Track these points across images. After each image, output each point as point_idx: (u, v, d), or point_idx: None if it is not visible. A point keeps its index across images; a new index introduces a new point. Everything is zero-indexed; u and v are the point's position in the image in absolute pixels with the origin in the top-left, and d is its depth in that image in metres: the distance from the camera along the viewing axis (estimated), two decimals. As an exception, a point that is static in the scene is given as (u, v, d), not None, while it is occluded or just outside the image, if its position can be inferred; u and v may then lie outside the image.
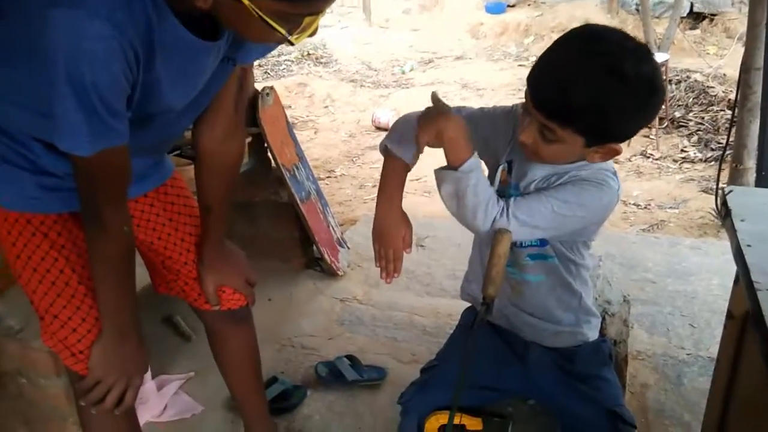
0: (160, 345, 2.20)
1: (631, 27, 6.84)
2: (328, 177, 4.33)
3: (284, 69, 7.05)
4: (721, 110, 4.56)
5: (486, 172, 1.31)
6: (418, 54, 7.45)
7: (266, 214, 2.65)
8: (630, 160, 4.26)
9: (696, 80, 4.91)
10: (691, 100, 4.74)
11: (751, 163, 3.07)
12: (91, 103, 0.91)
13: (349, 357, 2.08)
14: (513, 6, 8.22)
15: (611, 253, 2.79)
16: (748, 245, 1.02)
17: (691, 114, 4.62)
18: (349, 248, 2.86)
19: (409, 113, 1.36)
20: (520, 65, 6.81)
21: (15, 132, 1.10)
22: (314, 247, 2.66)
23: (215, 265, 1.40)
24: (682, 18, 6.63)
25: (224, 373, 1.60)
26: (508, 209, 1.19)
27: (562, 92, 1.06)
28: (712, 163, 4.05)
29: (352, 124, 5.41)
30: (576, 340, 1.40)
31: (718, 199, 3.10)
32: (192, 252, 1.40)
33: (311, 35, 0.97)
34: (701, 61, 5.41)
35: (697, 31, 6.67)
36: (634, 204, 3.65)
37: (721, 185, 3.31)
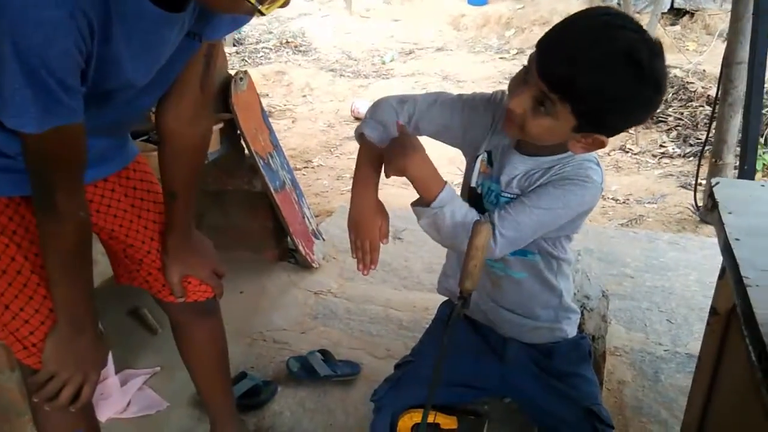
0: (125, 338, 2.13)
1: (612, 22, 6.85)
2: (305, 167, 4.25)
3: (262, 56, 6.92)
4: (701, 106, 4.57)
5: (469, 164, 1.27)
6: (398, 44, 7.37)
7: (239, 203, 2.57)
8: (609, 155, 4.25)
9: (676, 76, 4.91)
10: (670, 95, 4.74)
11: (730, 158, 3.07)
12: (40, 77, 0.84)
13: (322, 352, 2.02)
14: (495, -2, 8.18)
15: (590, 247, 2.77)
16: (737, 239, 0.98)
17: (670, 109, 4.62)
18: (324, 240, 2.79)
19: (385, 98, 1.31)
20: (501, 58, 6.78)
21: None
22: (288, 239, 2.59)
23: (180, 254, 1.33)
24: (663, 14, 6.64)
25: (189, 368, 1.53)
26: (494, 229, 1.15)
27: (574, 65, 1.01)
28: (691, 158, 4.05)
29: (330, 114, 5.33)
30: (554, 336, 1.37)
31: (705, 191, 3.11)
32: (156, 240, 1.33)
33: (282, 6, 0.90)
34: (681, 57, 5.42)
35: (677, 27, 6.70)
36: (612, 198, 3.64)
37: (700, 180, 3.31)
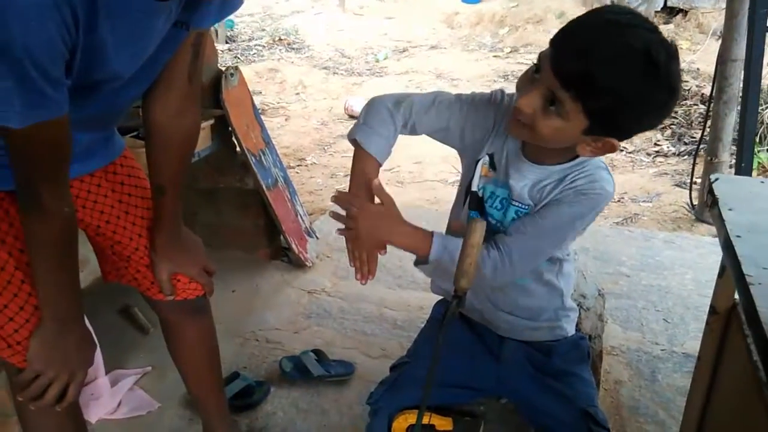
0: (115, 338, 2.10)
1: (606, 20, 6.85)
2: (298, 165, 4.21)
3: (255, 54, 6.88)
4: (695, 104, 4.56)
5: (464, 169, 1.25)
6: (392, 42, 7.34)
7: (230, 201, 2.54)
8: (604, 153, 4.23)
9: (670, 74, 4.91)
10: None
11: (726, 156, 3.06)
12: (24, 69, 0.81)
13: (316, 351, 1.99)
14: (488, -3, 8.16)
15: (585, 246, 2.75)
16: (738, 236, 0.96)
17: (664, 108, 4.63)
18: (318, 238, 2.77)
19: (380, 99, 1.25)
20: (495, 56, 6.76)
21: None
22: (281, 237, 2.56)
23: (169, 251, 1.30)
24: (657, 12, 6.65)
25: (180, 368, 1.51)
26: (504, 256, 1.15)
27: (589, 60, 0.97)
28: (686, 157, 4.05)
29: (324, 111, 5.30)
30: (554, 335, 1.35)
31: (702, 188, 3.11)
32: (144, 237, 1.30)
33: None
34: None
35: (671, 26, 6.70)
36: (607, 197, 3.62)
37: (695, 179, 3.30)
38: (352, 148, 1.26)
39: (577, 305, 1.54)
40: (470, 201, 1.26)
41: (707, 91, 3.61)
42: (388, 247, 1.26)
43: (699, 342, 1.30)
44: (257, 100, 5.49)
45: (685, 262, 2.66)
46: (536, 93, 1.03)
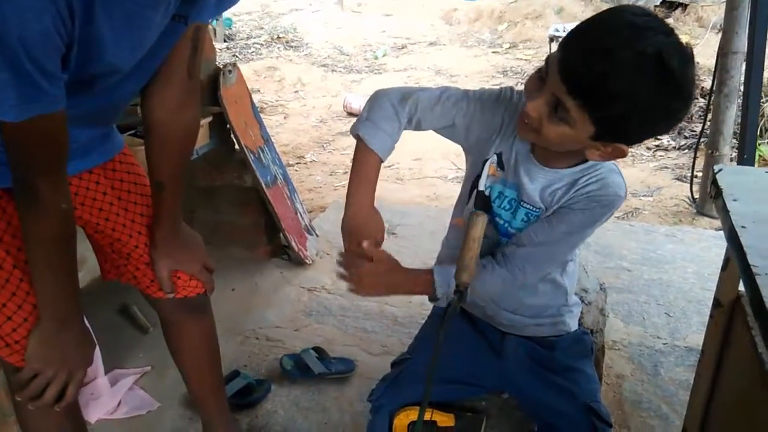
0: (115, 337, 2.09)
1: (605, 15, 6.83)
2: (297, 163, 4.20)
3: (253, 52, 6.87)
4: (695, 98, 4.55)
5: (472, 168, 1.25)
6: (391, 39, 7.33)
7: (229, 199, 2.52)
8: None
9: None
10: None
11: (726, 149, 3.05)
12: (19, 62, 0.80)
13: (316, 349, 1.98)
14: (487, -8, 8.15)
15: (586, 240, 2.73)
16: (743, 226, 0.95)
17: (664, 102, 4.61)
18: (317, 236, 2.76)
19: (385, 93, 1.21)
20: (494, 52, 6.75)
21: None
22: (281, 235, 2.55)
23: (169, 248, 1.29)
24: (656, 6, 6.64)
25: (180, 367, 1.49)
26: (517, 270, 1.19)
27: (599, 66, 0.93)
28: (686, 150, 4.04)
29: (323, 109, 5.29)
30: (557, 330, 1.34)
31: (703, 181, 3.09)
32: (144, 234, 1.28)
33: None
34: None
35: (670, 20, 6.67)
36: (608, 191, 3.61)
37: (696, 172, 3.29)
38: (352, 145, 1.25)
39: (579, 299, 1.53)
40: (476, 200, 1.24)
41: (707, 84, 3.59)
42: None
43: (701, 336, 1.29)
44: (256, 98, 5.48)
45: (686, 256, 2.65)
46: (542, 98, 1.01)
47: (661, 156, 4.08)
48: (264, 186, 2.38)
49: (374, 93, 1.24)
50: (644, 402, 1.85)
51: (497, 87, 1.24)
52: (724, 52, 2.88)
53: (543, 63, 1.04)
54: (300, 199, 2.72)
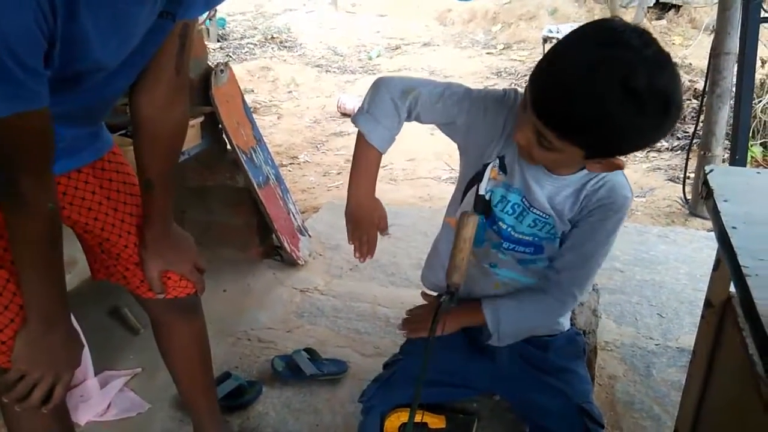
0: (105, 338, 2.07)
1: (599, 16, 6.85)
2: (291, 164, 4.19)
3: (246, 52, 6.85)
4: (687, 99, 4.56)
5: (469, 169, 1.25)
6: (385, 40, 7.33)
7: (221, 199, 2.51)
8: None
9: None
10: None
11: (719, 150, 3.05)
12: None
13: (308, 350, 1.97)
14: (481, -7, 8.16)
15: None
16: (734, 227, 0.95)
17: (657, 103, 4.62)
18: (310, 236, 2.75)
19: (386, 84, 1.21)
20: (488, 53, 6.75)
21: None
22: (273, 235, 2.54)
23: (159, 248, 1.27)
24: (649, 8, 6.66)
25: (171, 368, 1.48)
26: (569, 297, 1.24)
27: (564, 101, 0.94)
28: (678, 152, 4.04)
29: (316, 109, 5.27)
30: (551, 330, 1.34)
31: (696, 182, 3.10)
32: (133, 234, 1.27)
33: None
34: (667, 51, 5.41)
35: (663, 21, 6.70)
36: (601, 192, 3.61)
37: (688, 173, 3.30)
38: (345, 146, 1.30)
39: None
40: (476, 204, 1.24)
41: (700, 86, 3.61)
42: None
43: (693, 336, 1.29)
44: (249, 98, 5.46)
45: (679, 257, 2.66)
46: (527, 128, 1.02)
47: (653, 157, 4.09)
48: (256, 186, 2.37)
49: (376, 81, 1.24)
50: (636, 403, 1.85)
51: (501, 88, 1.24)
52: (716, 53, 2.88)
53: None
54: (293, 200, 2.71)
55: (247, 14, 8.49)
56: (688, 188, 3.29)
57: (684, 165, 3.35)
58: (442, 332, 1.20)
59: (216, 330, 2.10)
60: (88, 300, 2.11)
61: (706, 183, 1.10)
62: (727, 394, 1.13)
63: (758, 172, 1.17)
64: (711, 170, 1.14)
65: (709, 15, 6.24)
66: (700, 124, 3.16)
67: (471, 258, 1.26)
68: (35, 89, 0.86)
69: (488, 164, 1.20)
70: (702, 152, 3.10)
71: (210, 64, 2.28)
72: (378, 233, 1.29)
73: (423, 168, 3.95)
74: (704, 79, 3.06)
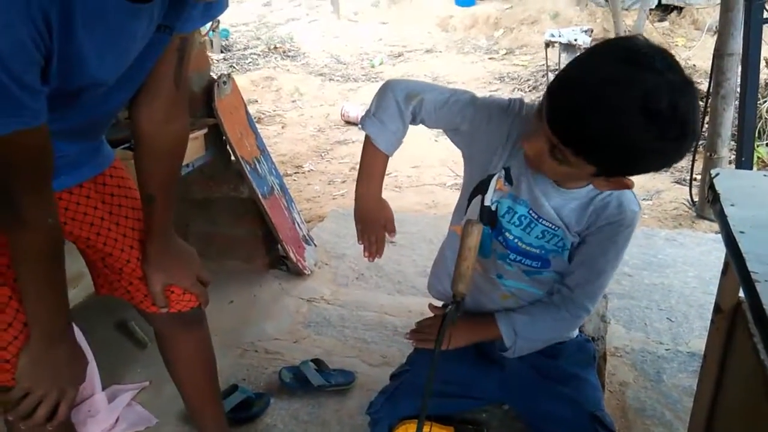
0: (112, 353, 2.07)
1: (600, 19, 6.84)
2: (296, 173, 4.19)
3: (250, 63, 6.88)
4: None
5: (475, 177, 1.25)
6: (387, 47, 7.34)
7: (226, 210, 2.51)
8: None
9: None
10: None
11: (725, 151, 3.03)
12: None
13: (316, 361, 1.96)
14: (483, -1, 8.17)
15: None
16: (741, 231, 0.93)
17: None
18: (316, 246, 2.74)
19: (392, 88, 1.23)
20: (490, 58, 6.75)
21: None
22: (279, 246, 2.53)
23: (162, 262, 1.27)
24: (651, 10, 6.64)
25: (176, 382, 1.48)
26: (581, 312, 1.24)
27: (581, 120, 0.92)
28: (684, 154, 4.02)
29: (320, 118, 5.28)
30: (561, 337, 1.32)
31: (702, 184, 3.08)
32: (136, 249, 1.27)
33: None
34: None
35: (666, 23, 6.69)
36: (607, 196, 3.59)
37: (695, 175, 3.28)
38: (350, 154, 1.32)
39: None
40: (482, 215, 1.23)
41: (704, 87, 3.59)
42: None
43: (704, 340, 1.27)
44: (253, 108, 5.48)
45: (687, 260, 2.63)
46: (539, 139, 1.01)
47: (660, 160, 4.07)
48: (261, 197, 2.37)
49: (384, 84, 1.27)
50: (648, 409, 1.83)
51: (506, 97, 1.24)
52: (719, 54, 2.87)
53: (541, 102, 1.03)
54: (298, 209, 2.71)
55: (250, 25, 8.53)
56: (694, 190, 3.27)
57: (690, 167, 3.33)
58: (448, 346, 1.19)
59: (223, 342, 2.10)
60: (95, 314, 2.11)
61: (712, 187, 1.09)
62: (739, 400, 1.12)
63: (765, 175, 1.16)
64: (717, 174, 1.13)
65: (711, 16, 6.22)
66: (705, 126, 3.14)
67: (478, 268, 1.26)
68: (33, 106, 0.85)
69: (493, 175, 1.20)
70: (708, 154, 3.08)
71: (213, 75, 2.28)
72: (386, 234, 1.32)
73: (427, 174, 3.94)
74: (708, 80, 3.05)
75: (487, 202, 1.22)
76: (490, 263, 1.27)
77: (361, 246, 1.33)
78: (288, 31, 7.90)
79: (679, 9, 6.82)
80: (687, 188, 3.35)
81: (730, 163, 3.17)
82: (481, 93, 1.27)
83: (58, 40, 0.83)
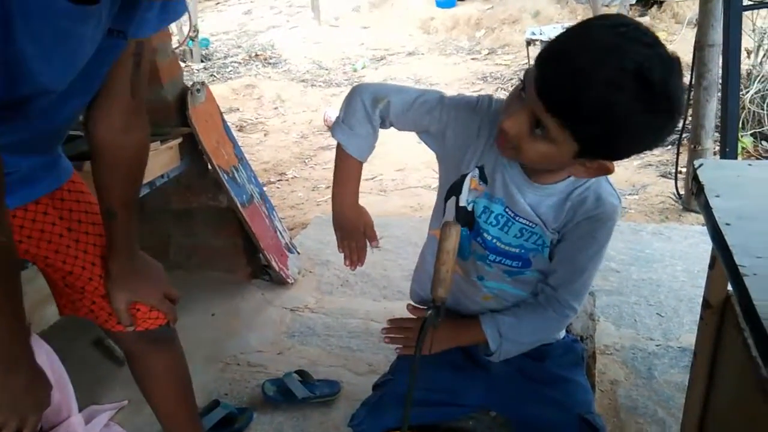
0: (89, 371, 2.01)
1: (581, 16, 6.84)
2: (279, 180, 4.14)
3: (231, 71, 6.81)
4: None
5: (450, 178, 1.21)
6: (369, 51, 7.30)
7: (205, 221, 2.45)
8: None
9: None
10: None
11: (709, 143, 3.02)
12: None
13: (300, 372, 1.91)
14: (463, 0, 8.16)
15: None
16: (727, 224, 0.89)
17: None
18: (299, 253, 2.69)
19: (359, 93, 1.19)
20: (473, 59, 6.73)
21: None
22: (260, 255, 2.48)
23: (126, 279, 1.21)
24: (632, 5, 6.65)
25: (150, 402, 1.42)
26: (567, 310, 1.20)
27: (576, 84, 0.87)
28: (669, 147, 3.99)
29: (303, 124, 5.23)
30: (547, 339, 1.28)
31: (687, 177, 3.05)
32: (98, 265, 1.21)
33: None
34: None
35: (647, 18, 6.70)
36: (593, 192, 3.57)
37: (680, 168, 3.26)
38: (333, 159, 1.27)
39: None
40: (458, 216, 1.19)
41: (686, 79, 3.58)
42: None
43: (694, 335, 1.24)
44: (235, 117, 5.42)
45: (675, 254, 2.61)
46: (521, 115, 0.95)
47: (644, 154, 4.05)
48: (240, 205, 2.32)
49: (351, 89, 1.23)
50: (640, 408, 1.79)
51: (475, 94, 1.19)
52: (700, 46, 2.85)
53: (521, 78, 0.98)
54: (279, 217, 2.66)
55: (230, 33, 8.46)
56: (680, 183, 3.25)
57: (675, 160, 3.31)
58: (430, 351, 1.14)
59: (205, 356, 2.04)
60: (70, 333, 2.05)
61: (696, 178, 1.05)
62: (731, 396, 1.08)
63: (750, 164, 1.12)
64: (701, 165, 1.09)
65: (691, 9, 6.23)
66: (689, 118, 3.13)
67: (458, 271, 1.21)
68: None
69: (467, 174, 1.16)
70: (692, 146, 3.06)
71: (186, 83, 2.23)
72: (367, 242, 1.29)
73: (412, 177, 3.90)
74: (690, 72, 3.03)
75: (462, 203, 1.18)
76: (470, 265, 1.23)
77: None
78: (269, 39, 7.85)
79: (660, 3, 6.84)
80: (673, 181, 3.32)
81: (714, 154, 3.15)
82: (464, 93, 1.23)
83: None
